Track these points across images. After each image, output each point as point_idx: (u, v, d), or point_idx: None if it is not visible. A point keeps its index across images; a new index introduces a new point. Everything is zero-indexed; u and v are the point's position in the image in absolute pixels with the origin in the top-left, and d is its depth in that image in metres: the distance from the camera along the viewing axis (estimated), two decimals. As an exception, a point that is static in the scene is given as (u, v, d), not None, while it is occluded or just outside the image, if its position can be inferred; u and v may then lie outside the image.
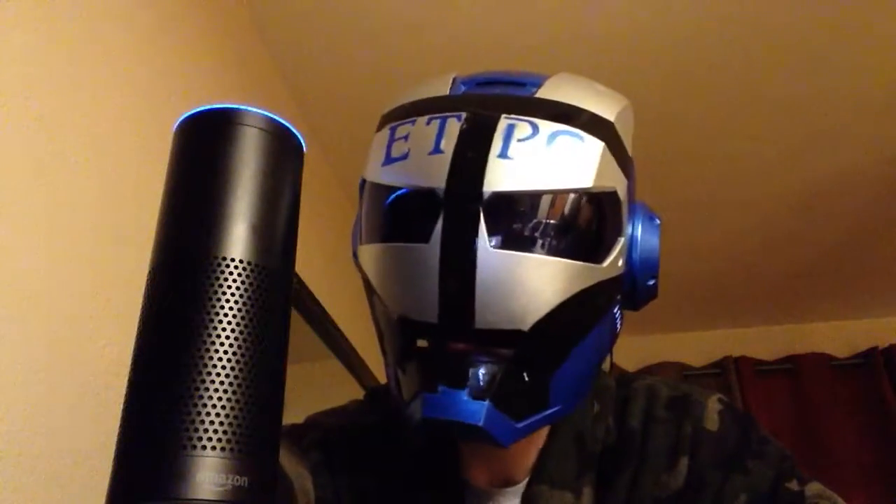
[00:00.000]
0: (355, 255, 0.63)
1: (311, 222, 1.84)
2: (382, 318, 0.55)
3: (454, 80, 0.59)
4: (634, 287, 0.58)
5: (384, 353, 0.58)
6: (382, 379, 0.76)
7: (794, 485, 0.59)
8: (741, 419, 0.64)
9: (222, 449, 0.34)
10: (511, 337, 0.50)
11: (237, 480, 0.34)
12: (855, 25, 1.66)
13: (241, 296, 0.37)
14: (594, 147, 0.53)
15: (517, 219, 0.52)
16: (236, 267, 0.38)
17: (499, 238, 0.51)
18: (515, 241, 0.52)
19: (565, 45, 1.70)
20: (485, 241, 0.49)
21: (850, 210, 2.40)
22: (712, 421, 0.63)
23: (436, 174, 0.51)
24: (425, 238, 0.50)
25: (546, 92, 0.56)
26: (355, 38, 1.66)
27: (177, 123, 0.43)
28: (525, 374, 0.52)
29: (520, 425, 0.52)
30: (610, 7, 1.60)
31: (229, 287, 0.37)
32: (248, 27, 1.61)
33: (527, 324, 0.50)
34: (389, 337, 0.56)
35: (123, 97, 1.09)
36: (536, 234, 0.53)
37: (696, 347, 3.22)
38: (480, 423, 0.50)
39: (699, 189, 2.27)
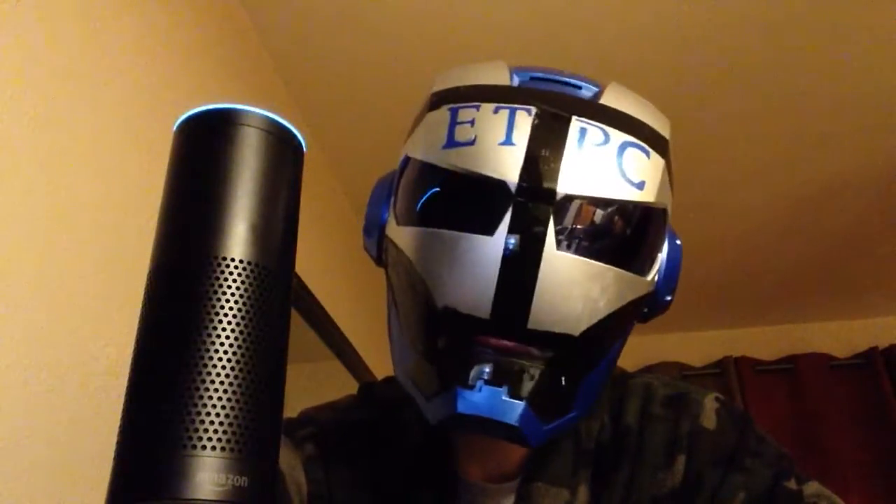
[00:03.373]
0: (367, 232, 0.61)
1: (311, 222, 1.84)
2: (420, 306, 0.53)
3: (509, 69, 0.59)
4: (655, 301, 0.59)
5: (405, 341, 0.57)
6: (381, 378, 0.76)
7: (792, 484, 0.59)
8: (739, 418, 0.64)
9: (222, 449, 0.34)
10: (559, 340, 0.50)
11: (237, 480, 0.34)
12: (856, 28, 1.66)
13: (241, 296, 0.37)
14: (658, 163, 0.54)
15: (583, 224, 0.52)
16: (236, 267, 0.38)
17: (564, 241, 0.50)
18: (578, 245, 0.52)
19: (565, 41, 1.70)
20: (552, 242, 0.49)
21: (850, 210, 2.40)
22: (710, 419, 0.63)
23: (507, 166, 0.50)
24: (487, 230, 0.49)
25: (609, 100, 0.55)
26: (356, 38, 1.66)
27: (177, 123, 0.43)
28: (562, 378, 0.52)
29: (547, 427, 0.53)
30: (609, 9, 1.60)
31: (229, 287, 0.37)
32: (248, 27, 1.61)
33: (578, 329, 0.50)
34: (423, 325, 0.54)
35: (124, 97, 1.09)
36: (598, 242, 0.52)
37: (696, 347, 3.22)
38: (516, 423, 0.49)
39: (699, 190, 2.27)
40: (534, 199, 0.49)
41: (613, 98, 0.56)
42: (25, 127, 0.87)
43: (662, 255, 0.58)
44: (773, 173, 2.21)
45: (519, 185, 0.49)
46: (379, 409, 0.70)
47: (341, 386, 2.01)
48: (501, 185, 0.50)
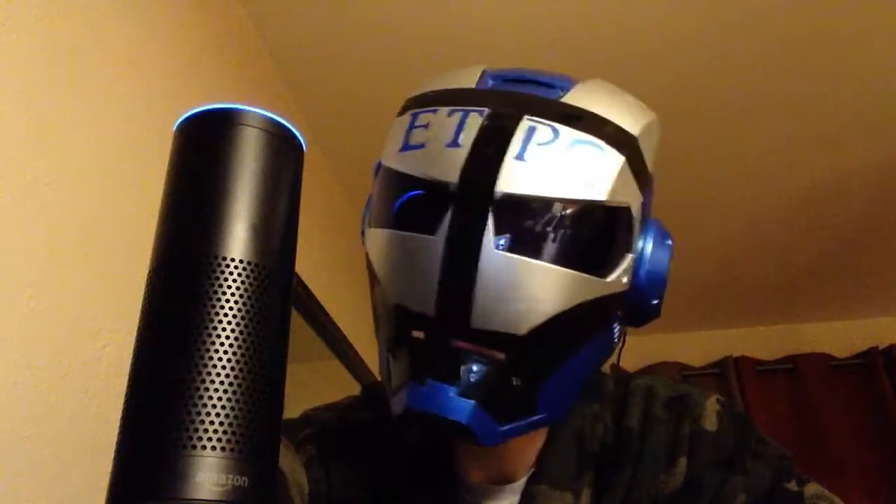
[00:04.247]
0: (362, 234, 0.62)
1: (311, 222, 1.84)
2: (381, 303, 0.55)
3: (483, 73, 0.59)
4: (638, 305, 0.57)
5: (378, 338, 0.58)
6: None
7: (792, 485, 0.59)
8: (739, 420, 0.64)
9: (222, 449, 0.34)
10: (505, 340, 0.50)
11: (237, 480, 0.34)
12: (855, 29, 1.66)
13: (241, 296, 0.37)
14: (614, 160, 0.52)
15: (526, 223, 0.52)
16: (236, 267, 0.38)
17: (505, 240, 0.50)
18: (521, 245, 0.51)
19: (565, 42, 1.70)
20: (490, 242, 0.49)
21: (850, 210, 2.40)
22: (711, 421, 0.63)
23: (450, 168, 0.51)
24: (432, 230, 0.50)
25: (573, 98, 0.55)
26: (356, 38, 1.66)
27: (177, 123, 0.43)
28: (514, 379, 0.52)
29: (503, 428, 0.52)
30: (610, 8, 1.60)
31: (229, 287, 0.37)
32: (247, 27, 1.61)
33: (522, 329, 0.50)
34: (385, 323, 0.55)
35: (123, 97, 1.09)
36: (543, 241, 0.52)
37: (696, 347, 3.22)
38: (464, 421, 0.49)
39: (699, 190, 2.27)
40: (472, 199, 0.50)
41: (580, 95, 0.55)
42: (25, 126, 0.87)
43: (642, 256, 0.56)
44: (774, 173, 2.21)
45: (459, 185, 0.50)
46: (380, 410, 0.70)
47: (341, 386, 2.01)
48: (443, 186, 0.50)
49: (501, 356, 0.51)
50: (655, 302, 0.58)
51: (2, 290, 0.80)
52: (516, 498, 0.62)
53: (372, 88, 1.80)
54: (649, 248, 0.57)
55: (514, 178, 0.50)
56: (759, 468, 0.60)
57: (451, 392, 0.50)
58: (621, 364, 0.67)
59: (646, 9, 1.60)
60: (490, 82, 0.58)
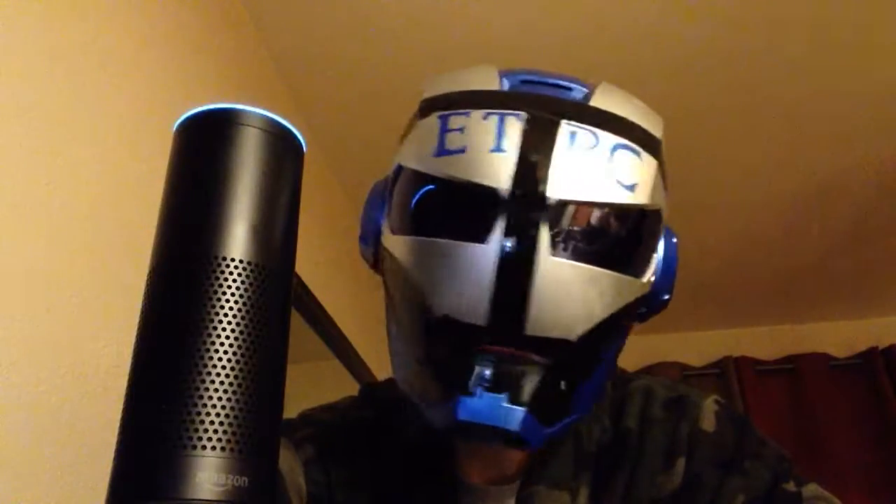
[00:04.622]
0: (364, 240, 0.61)
1: (311, 222, 1.84)
2: (416, 313, 0.54)
3: (499, 73, 0.58)
4: (651, 302, 0.58)
5: (402, 349, 0.57)
6: (381, 378, 0.76)
7: (791, 486, 0.59)
8: (738, 420, 0.64)
9: (222, 449, 0.34)
10: (557, 345, 0.50)
11: (237, 480, 0.34)
12: (855, 28, 1.66)
13: (241, 296, 0.37)
14: (650, 164, 0.54)
15: (577, 228, 0.52)
16: (236, 267, 0.38)
17: (557, 246, 0.50)
18: (572, 250, 0.51)
19: (564, 43, 1.70)
20: (546, 248, 0.49)
21: (850, 210, 2.40)
22: (709, 422, 0.63)
23: (499, 174, 0.50)
24: (481, 238, 0.50)
25: (600, 101, 0.55)
26: (356, 38, 1.66)
27: (177, 123, 0.43)
28: (562, 382, 0.52)
29: (547, 431, 0.53)
30: (610, 8, 1.60)
31: (229, 287, 0.37)
32: (247, 27, 1.61)
33: (575, 334, 0.50)
34: (422, 334, 0.54)
35: (123, 97, 1.09)
36: (593, 245, 0.52)
37: (696, 347, 3.22)
38: (517, 429, 0.49)
39: (699, 189, 2.27)
40: (526, 206, 0.49)
41: (604, 99, 0.55)
42: (26, 127, 0.87)
43: (658, 255, 0.58)
44: (773, 173, 2.21)
45: (510, 191, 0.49)
46: (379, 410, 0.70)
47: (341, 386, 2.01)
48: (493, 192, 0.50)
49: (549, 361, 0.51)
50: (666, 297, 0.59)
51: (1, 290, 0.80)
52: (514, 499, 0.62)
53: (372, 88, 1.80)
54: (662, 247, 0.58)
55: (566, 183, 0.50)
56: (757, 469, 0.60)
57: (504, 401, 0.50)
58: (621, 364, 0.68)
59: (646, 9, 1.60)
60: (506, 83, 0.57)
